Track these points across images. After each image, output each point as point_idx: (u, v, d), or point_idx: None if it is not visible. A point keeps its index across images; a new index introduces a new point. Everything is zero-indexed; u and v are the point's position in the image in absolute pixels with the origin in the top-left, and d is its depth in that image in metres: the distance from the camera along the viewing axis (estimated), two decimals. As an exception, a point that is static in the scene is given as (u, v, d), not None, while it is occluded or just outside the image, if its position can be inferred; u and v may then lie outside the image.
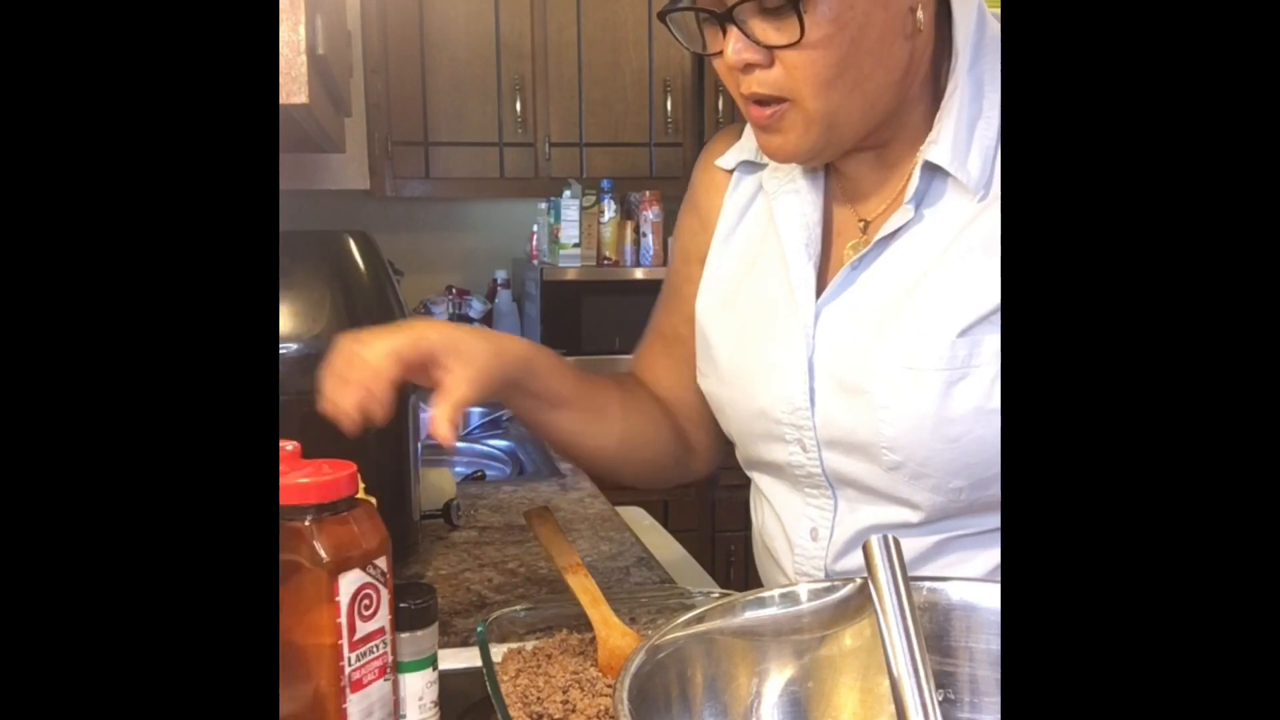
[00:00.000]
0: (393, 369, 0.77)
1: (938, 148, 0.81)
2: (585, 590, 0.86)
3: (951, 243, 0.81)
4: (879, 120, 0.82)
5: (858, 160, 0.87)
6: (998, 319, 0.78)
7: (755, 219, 0.95)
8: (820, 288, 0.87)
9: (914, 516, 0.83)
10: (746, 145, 0.95)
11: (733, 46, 0.78)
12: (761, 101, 0.80)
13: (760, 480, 0.96)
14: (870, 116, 0.81)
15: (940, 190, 0.83)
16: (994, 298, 0.78)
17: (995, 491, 0.80)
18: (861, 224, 0.88)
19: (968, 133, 0.81)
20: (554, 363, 0.92)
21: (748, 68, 0.78)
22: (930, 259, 0.82)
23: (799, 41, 0.75)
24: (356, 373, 0.77)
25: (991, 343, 0.78)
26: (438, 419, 0.78)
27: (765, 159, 0.93)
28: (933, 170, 0.82)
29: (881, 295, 0.84)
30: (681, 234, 1.03)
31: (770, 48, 0.77)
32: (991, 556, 0.83)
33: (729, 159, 0.97)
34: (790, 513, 0.92)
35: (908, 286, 0.82)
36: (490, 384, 0.83)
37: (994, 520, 0.82)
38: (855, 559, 0.87)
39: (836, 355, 0.85)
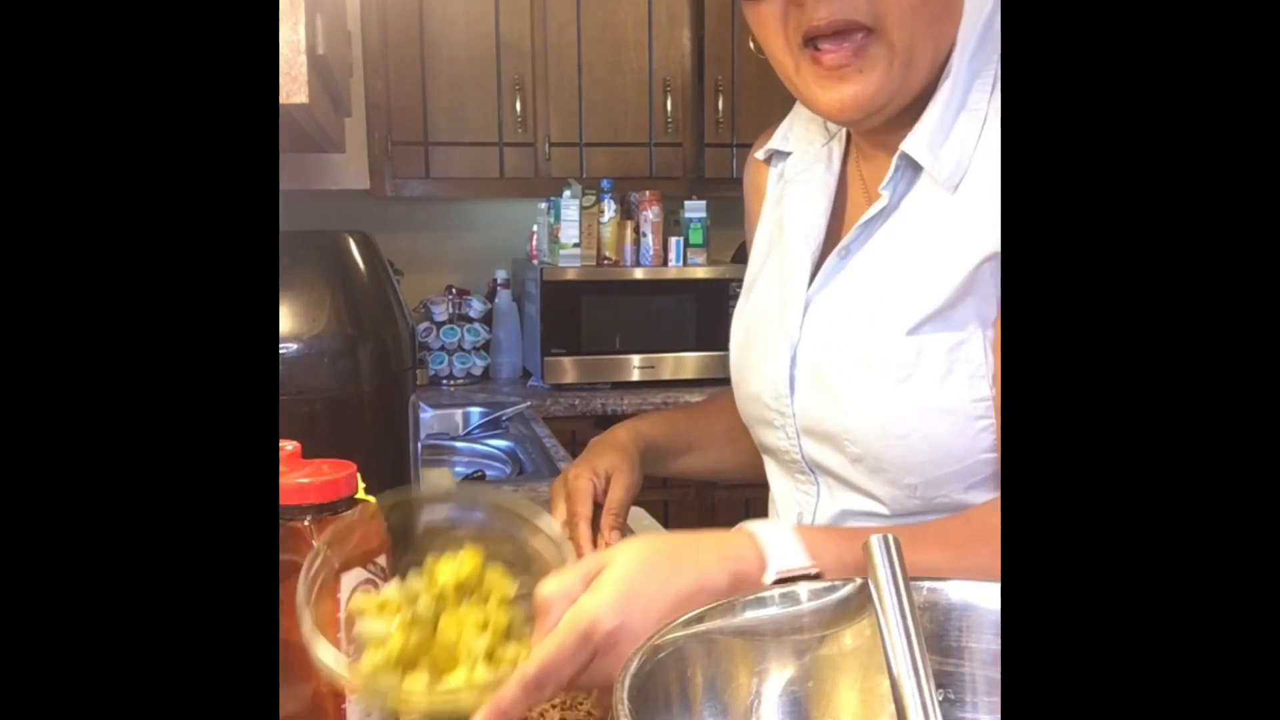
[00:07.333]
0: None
1: (915, 137, 0.80)
2: None
3: (917, 236, 0.81)
4: (933, 76, 0.81)
5: (877, 142, 0.87)
6: (943, 320, 0.78)
7: (777, 207, 0.96)
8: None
9: (880, 509, 0.84)
10: (778, 134, 0.97)
11: None
12: (838, 34, 0.77)
13: (767, 465, 0.99)
14: (934, 65, 0.80)
15: (917, 181, 0.83)
16: (940, 297, 0.78)
17: (948, 492, 0.80)
18: None
19: (949, 124, 0.80)
20: (667, 427, 1.08)
21: None
22: (897, 251, 0.82)
23: None
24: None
25: (937, 343, 0.78)
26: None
27: (789, 147, 0.94)
28: (911, 160, 0.82)
29: (856, 286, 0.85)
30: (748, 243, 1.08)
31: None
32: None
33: (763, 151, 0.98)
34: (784, 497, 0.95)
35: (873, 279, 0.83)
36: (636, 483, 1.00)
37: None
38: None
39: (815, 344, 0.86)
